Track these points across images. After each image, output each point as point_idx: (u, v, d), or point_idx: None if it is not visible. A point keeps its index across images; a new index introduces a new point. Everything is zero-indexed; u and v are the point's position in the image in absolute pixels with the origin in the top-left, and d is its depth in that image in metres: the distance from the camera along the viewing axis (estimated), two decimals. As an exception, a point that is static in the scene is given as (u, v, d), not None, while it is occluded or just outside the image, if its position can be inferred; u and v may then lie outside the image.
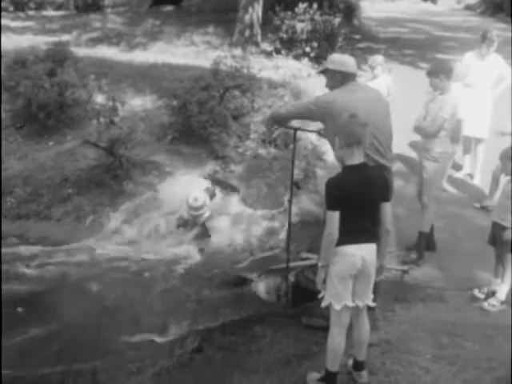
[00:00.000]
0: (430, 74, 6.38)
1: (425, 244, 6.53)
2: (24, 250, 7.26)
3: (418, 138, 6.75)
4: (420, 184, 6.53)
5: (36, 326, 5.59)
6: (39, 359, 5.07)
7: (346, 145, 3.92)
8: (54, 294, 6.35)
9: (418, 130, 6.48)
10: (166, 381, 4.59)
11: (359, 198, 3.90)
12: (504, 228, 5.42)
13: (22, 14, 19.75)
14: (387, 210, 4.03)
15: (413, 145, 8.75)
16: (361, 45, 16.58)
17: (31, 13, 20.22)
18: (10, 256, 6.99)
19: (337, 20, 13.92)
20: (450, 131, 6.30)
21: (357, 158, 3.93)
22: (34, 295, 6.25)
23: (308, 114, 5.04)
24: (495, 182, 7.29)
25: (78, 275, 6.69)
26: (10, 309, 5.81)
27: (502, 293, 5.56)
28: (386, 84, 8.17)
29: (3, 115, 9.98)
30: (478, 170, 8.44)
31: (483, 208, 7.51)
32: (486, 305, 5.58)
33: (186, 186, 8.02)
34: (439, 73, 6.27)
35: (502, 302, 5.54)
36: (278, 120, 5.53)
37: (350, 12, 17.81)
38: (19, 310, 5.89)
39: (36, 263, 6.91)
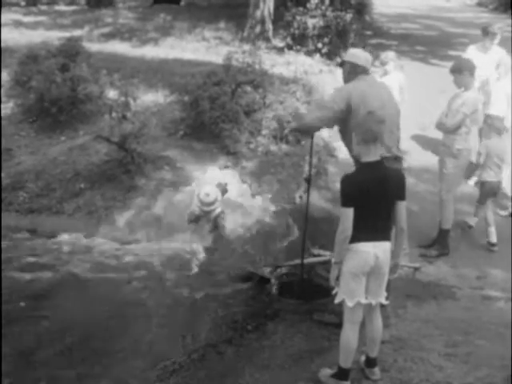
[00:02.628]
0: (453, 71, 6.42)
1: (448, 240, 6.54)
2: (35, 244, 7.29)
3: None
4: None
5: (44, 322, 5.63)
6: (48, 354, 5.09)
7: (362, 141, 3.91)
8: (65, 289, 6.37)
9: (439, 125, 6.55)
10: (179, 376, 4.61)
11: (374, 196, 3.89)
12: None
13: (34, 9, 19.83)
14: (402, 208, 4.02)
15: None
16: (372, 41, 16.51)
17: (43, 8, 20.31)
18: (22, 250, 7.05)
19: (348, 16, 13.84)
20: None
21: (373, 155, 3.92)
22: (43, 290, 6.28)
23: (333, 117, 5.03)
24: None
25: (87, 270, 6.71)
26: (17, 303, 5.87)
27: None
28: (399, 81, 8.13)
29: (16, 109, 10.03)
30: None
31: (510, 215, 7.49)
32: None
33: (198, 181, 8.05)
34: (464, 70, 6.31)
35: None
36: (304, 130, 5.54)
37: (362, 8, 17.67)
38: (22, 304, 5.93)
39: (47, 258, 6.94)
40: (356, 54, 5.13)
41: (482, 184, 7.00)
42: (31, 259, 6.84)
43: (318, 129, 5.34)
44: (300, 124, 5.78)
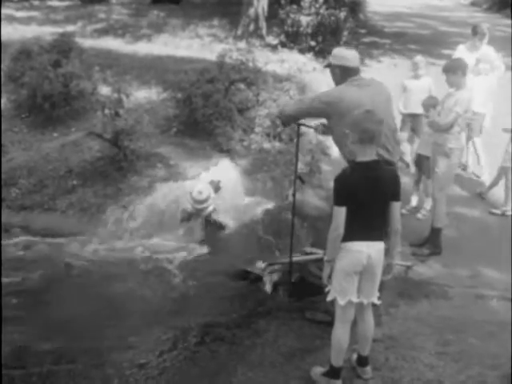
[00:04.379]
0: (446, 70, 6.44)
1: (440, 239, 6.55)
2: (28, 241, 7.27)
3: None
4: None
5: (39, 320, 5.61)
6: (42, 353, 5.06)
7: (358, 141, 3.86)
8: (57, 287, 6.35)
9: (431, 124, 6.56)
10: (171, 374, 4.59)
11: (367, 196, 3.86)
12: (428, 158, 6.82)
13: (26, 4, 19.72)
14: (397, 209, 3.99)
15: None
16: (366, 39, 16.54)
17: (36, 3, 20.20)
18: (15, 247, 7.02)
19: (342, 14, 13.85)
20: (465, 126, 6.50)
21: (368, 155, 3.88)
22: (36, 288, 6.26)
23: (316, 112, 5.00)
24: None
25: (80, 268, 6.69)
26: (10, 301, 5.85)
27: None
28: (429, 84, 8.07)
29: (8, 105, 9.97)
30: (482, 163, 8.50)
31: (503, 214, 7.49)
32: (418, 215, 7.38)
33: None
34: (457, 69, 6.34)
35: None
36: (286, 120, 5.47)
37: (356, 6, 17.67)
38: (14, 301, 5.91)
39: (41, 255, 6.93)
40: (344, 56, 4.87)
41: (418, 157, 7.27)
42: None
43: (294, 119, 5.32)
44: (280, 112, 5.69)
